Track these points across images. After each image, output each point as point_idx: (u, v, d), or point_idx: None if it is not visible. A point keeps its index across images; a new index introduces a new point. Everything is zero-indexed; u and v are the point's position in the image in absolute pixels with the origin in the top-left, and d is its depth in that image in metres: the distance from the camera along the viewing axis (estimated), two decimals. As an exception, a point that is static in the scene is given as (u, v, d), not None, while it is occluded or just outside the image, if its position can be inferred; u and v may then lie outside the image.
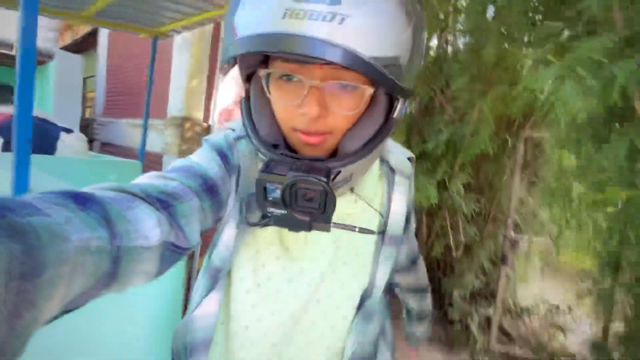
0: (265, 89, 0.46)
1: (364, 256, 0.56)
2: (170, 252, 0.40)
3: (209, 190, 0.47)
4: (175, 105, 4.30)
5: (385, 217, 0.56)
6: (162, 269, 0.40)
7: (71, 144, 3.43)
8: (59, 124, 3.50)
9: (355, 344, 0.56)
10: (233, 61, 0.46)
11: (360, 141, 0.45)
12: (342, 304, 0.56)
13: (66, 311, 0.29)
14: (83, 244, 0.27)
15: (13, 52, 4.97)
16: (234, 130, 0.56)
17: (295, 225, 0.43)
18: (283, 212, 0.41)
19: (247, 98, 0.49)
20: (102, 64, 5.78)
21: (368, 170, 0.52)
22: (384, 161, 0.58)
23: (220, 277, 0.53)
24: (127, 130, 4.87)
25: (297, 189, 0.39)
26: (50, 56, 4.98)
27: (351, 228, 0.49)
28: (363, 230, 0.49)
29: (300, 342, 0.56)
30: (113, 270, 0.31)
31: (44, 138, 3.28)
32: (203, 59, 4.19)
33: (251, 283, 0.54)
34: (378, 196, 0.57)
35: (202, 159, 0.50)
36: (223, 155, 0.52)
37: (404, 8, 0.39)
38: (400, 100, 0.46)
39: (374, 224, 0.57)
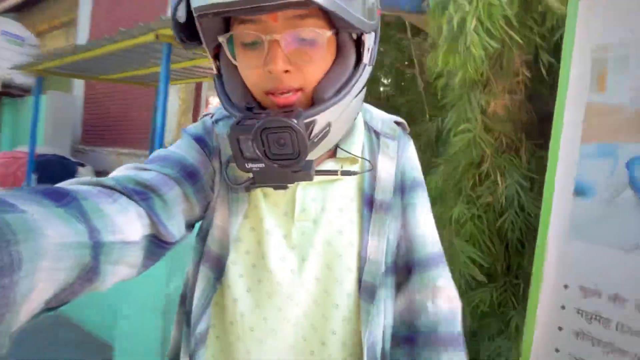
0: (230, 58, 0.43)
1: (349, 213, 0.51)
2: (155, 246, 0.40)
3: (189, 175, 0.46)
4: (166, 137, 5.13)
5: (371, 181, 0.51)
6: (147, 263, 0.39)
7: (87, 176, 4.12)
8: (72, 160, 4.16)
9: (369, 333, 0.48)
10: (197, 41, 0.44)
11: (333, 89, 0.42)
12: (343, 278, 0.49)
13: (49, 308, 0.29)
14: (60, 239, 0.26)
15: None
16: (212, 115, 0.54)
17: (276, 179, 0.41)
18: (261, 165, 0.39)
19: (219, 75, 0.47)
20: (79, 94, 6.27)
21: (348, 125, 0.49)
22: (368, 128, 0.54)
23: (224, 267, 0.49)
24: (113, 159, 5.48)
25: (268, 134, 0.37)
26: (27, 90, 5.44)
27: (333, 173, 0.47)
28: (345, 173, 0.47)
29: (304, 326, 0.50)
30: (94, 265, 0.30)
31: (65, 173, 3.94)
32: (190, 100, 5.08)
33: (242, 266, 0.50)
34: (363, 163, 0.52)
35: (180, 147, 0.49)
36: (201, 140, 0.51)
37: None
38: (367, 40, 0.44)
39: (363, 185, 0.52)
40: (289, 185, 0.42)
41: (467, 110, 1.04)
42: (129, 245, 0.35)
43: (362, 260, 0.49)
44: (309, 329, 0.50)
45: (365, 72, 0.45)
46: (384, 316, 0.50)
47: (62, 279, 0.27)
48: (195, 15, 0.38)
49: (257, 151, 0.38)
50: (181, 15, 0.41)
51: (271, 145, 0.38)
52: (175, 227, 0.42)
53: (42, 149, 4.28)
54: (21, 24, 5.63)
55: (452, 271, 0.56)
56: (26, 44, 5.27)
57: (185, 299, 0.55)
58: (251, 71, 0.43)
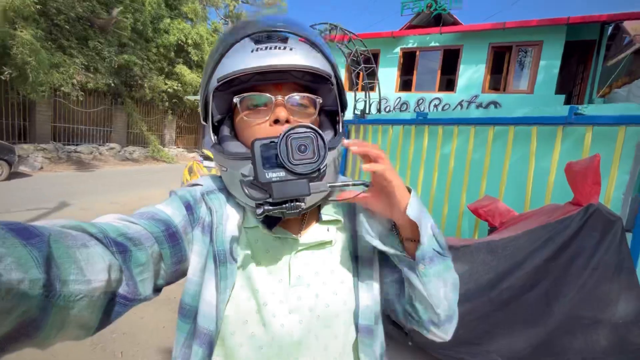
0: (242, 115, 0.51)
1: (341, 274, 0.56)
2: (116, 304, 0.39)
3: (171, 237, 0.48)
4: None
5: (354, 241, 0.58)
6: (103, 322, 0.37)
7: None
8: None
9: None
10: (204, 113, 0.53)
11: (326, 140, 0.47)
12: (339, 333, 0.54)
13: None
14: (9, 285, 0.25)
15: None
16: (201, 185, 0.57)
17: (295, 190, 0.42)
18: (281, 173, 0.42)
19: (218, 144, 0.53)
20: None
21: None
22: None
23: (214, 342, 0.50)
24: None
25: (292, 140, 0.42)
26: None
27: (347, 184, 0.49)
28: (357, 184, 0.49)
29: None
30: (40, 318, 0.29)
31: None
32: None
33: (242, 335, 0.51)
34: (342, 221, 0.59)
35: (168, 207, 0.51)
36: (189, 207, 0.53)
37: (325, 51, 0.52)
38: (341, 117, 0.56)
39: (348, 245, 0.58)
40: (303, 206, 0.44)
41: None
42: (87, 298, 0.33)
43: (356, 316, 0.55)
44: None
45: (342, 138, 0.54)
46: (380, 345, 0.57)
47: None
48: (217, 84, 0.49)
49: (281, 156, 0.42)
50: (214, 86, 0.50)
51: (293, 153, 0.42)
52: (143, 285, 0.42)
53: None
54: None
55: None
56: None
57: None
58: (257, 126, 0.50)
